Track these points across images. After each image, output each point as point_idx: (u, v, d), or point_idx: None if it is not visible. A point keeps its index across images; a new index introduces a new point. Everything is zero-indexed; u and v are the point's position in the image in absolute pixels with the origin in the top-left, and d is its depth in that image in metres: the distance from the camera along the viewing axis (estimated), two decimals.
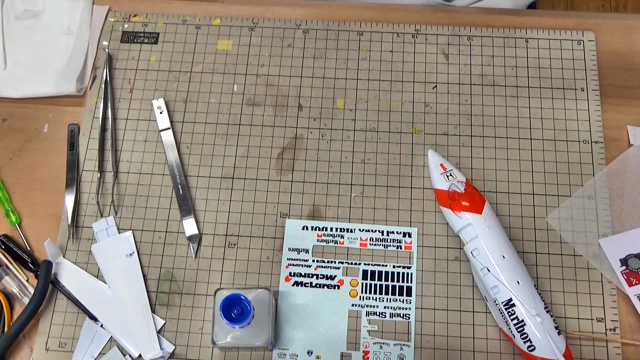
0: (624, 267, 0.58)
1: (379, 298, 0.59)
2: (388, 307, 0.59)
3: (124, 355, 0.58)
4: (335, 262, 0.60)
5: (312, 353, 0.57)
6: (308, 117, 0.66)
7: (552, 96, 0.66)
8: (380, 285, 0.59)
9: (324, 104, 0.67)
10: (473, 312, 0.58)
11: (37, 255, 0.62)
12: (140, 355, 0.57)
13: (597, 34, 0.68)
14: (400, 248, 0.61)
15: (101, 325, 0.59)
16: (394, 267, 0.60)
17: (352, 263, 0.60)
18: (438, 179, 0.60)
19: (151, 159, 0.65)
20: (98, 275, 0.61)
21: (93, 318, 0.59)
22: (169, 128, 0.66)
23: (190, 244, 0.61)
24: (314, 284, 0.60)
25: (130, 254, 0.61)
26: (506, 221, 0.61)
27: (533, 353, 0.53)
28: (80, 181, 0.64)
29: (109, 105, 0.67)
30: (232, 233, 0.62)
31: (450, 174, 0.60)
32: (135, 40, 0.70)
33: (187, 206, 0.63)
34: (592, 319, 0.57)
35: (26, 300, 0.58)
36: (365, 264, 0.60)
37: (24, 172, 0.65)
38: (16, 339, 0.57)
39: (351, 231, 0.61)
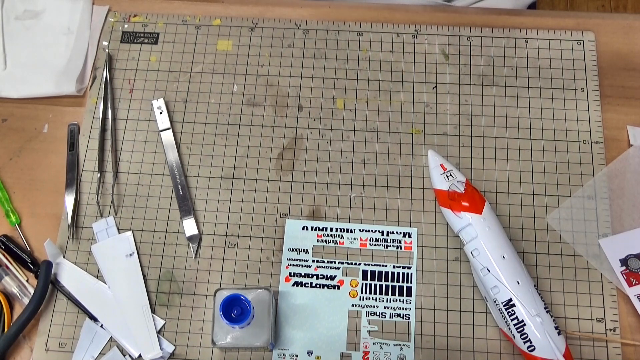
0: (623, 268, 0.58)
1: (379, 298, 0.59)
2: (388, 308, 0.59)
3: (124, 356, 0.58)
4: (335, 262, 0.60)
5: (312, 353, 0.57)
6: (308, 117, 0.66)
7: (552, 96, 0.66)
8: (380, 286, 0.59)
9: (324, 104, 0.67)
10: (473, 312, 0.58)
11: (37, 255, 0.62)
12: (140, 356, 0.57)
13: (597, 34, 0.68)
14: (400, 248, 0.61)
15: (101, 326, 0.59)
16: (394, 267, 0.60)
17: (352, 263, 0.60)
18: (438, 179, 0.60)
19: (151, 159, 0.65)
20: (98, 276, 0.61)
21: (93, 318, 0.59)
22: (169, 128, 0.66)
23: (190, 244, 0.61)
24: (314, 284, 0.60)
25: (130, 254, 0.61)
26: (506, 221, 0.61)
27: (533, 353, 0.53)
28: (80, 181, 0.64)
29: (109, 105, 0.67)
30: (232, 233, 0.62)
31: (450, 174, 0.60)
32: (135, 41, 0.70)
33: (187, 206, 0.63)
34: (592, 319, 0.57)
35: (26, 301, 0.58)
36: (365, 264, 0.60)
37: (24, 172, 0.65)
38: (16, 339, 0.57)
39: (351, 231, 0.61)
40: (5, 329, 0.58)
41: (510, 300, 0.54)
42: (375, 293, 0.59)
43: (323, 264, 0.60)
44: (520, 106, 0.66)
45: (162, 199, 0.63)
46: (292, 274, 0.60)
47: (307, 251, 0.61)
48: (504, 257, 0.55)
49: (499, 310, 0.55)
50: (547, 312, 0.54)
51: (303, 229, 0.62)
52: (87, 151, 0.65)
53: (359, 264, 0.60)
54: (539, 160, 0.63)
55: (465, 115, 0.65)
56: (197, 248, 0.61)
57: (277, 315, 0.58)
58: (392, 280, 0.60)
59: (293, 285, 0.60)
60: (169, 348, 0.58)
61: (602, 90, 0.66)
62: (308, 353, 0.57)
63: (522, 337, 0.53)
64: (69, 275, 0.60)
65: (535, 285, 0.55)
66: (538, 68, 0.67)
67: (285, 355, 0.57)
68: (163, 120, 0.66)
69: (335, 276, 0.60)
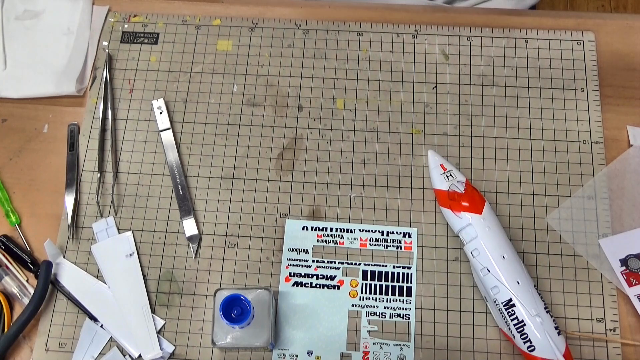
0: (623, 268, 0.58)
1: (379, 298, 0.59)
2: (388, 308, 0.59)
3: (124, 356, 0.58)
4: (335, 263, 0.60)
5: (312, 353, 0.57)
6: (308, 117, 0.66)
7: (552, 96, 0.66)
8: (380, 286, 0.59)
9: (324, 104, 0.67)
10: (473, 312, 0.58)
11: (37, 255, 0.62)
12: (140, 356, 0.57)
13: (597, 34, 0.68)
14: (400, 248, 0.61)
15: (101, 326, 0.59)
16: (393, 267, 0.60)
17: (352, 263, 0.60)
18: (438, 179, 0.60)
19: (151, 159, 0.65)
20: (98, 276, 0.61)
21: (93, 318, 0.59)
22: (169, 128, 0.66)
23: (190, 244, 0.61)
24: (314, 284, 0.60)
25: (130, 254, 0.61)
26: (506, 221, 0.61)
27: (533, 353, 0.53)
28: (80, 181, 0.64)
29: (109, 105, 0.67)
30: (232, 233, 0.62)
31: (450, 174, 0.60)
32: (135, 41, 0.70)
33: (187, 206, 0.63)
34: (592, 319, 0.57)
35: (26, 301, 0.58)
36: (365, 264, 0.60)
37: (24, 172, 0.65)
38: (16, 339, 0.57)
39: (351, 231, 0.61)
40: (5, 329, 0.58)
41: (510, 300, 0.54)
42: (375, 293, 0.59)
43: (323, 264, 0.60)
44: (520, 106, 0.66)
45: (162, 199, 0.63)
46: (292, 274, 0.60)
47: (307, 251, 0.61)
48: (504, 257, 0.55)
49: (499, 310, 0.55)
50: (547, 312, 0.54)
51: (303, 229, 0.62)
52: (87, 151, 0.65)
53: (359, 264, 0.60)
54: (539, 160, 0.63)
55: (465, 115, 0.65)
56: (197, 248, 0.61)
57: (277, 315, 0.58)
58: (392, 280, 0.60)
59: (293, 285, 0.60)
60: (169, 348, 0.58)
61: (602, 90, 0.66)
62: (308, 353, 0.57)
63: (522, 337, 0.53)
64: (69, 275, 0.60)
65: (535, 285, 0.55)
66: (538, 68, 0.67)
67: (285, 355, 0.57)
68: (163, 120, 0.66)
69: (335, 276, 0.60)
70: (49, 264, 0.59)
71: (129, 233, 0.62)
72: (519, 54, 0.68)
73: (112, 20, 0.71)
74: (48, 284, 0.58)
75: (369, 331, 0.58)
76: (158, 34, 0.71)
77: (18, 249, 0.61)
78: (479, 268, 0.56)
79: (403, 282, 0.59)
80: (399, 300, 0.59)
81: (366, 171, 0.64)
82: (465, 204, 0.58)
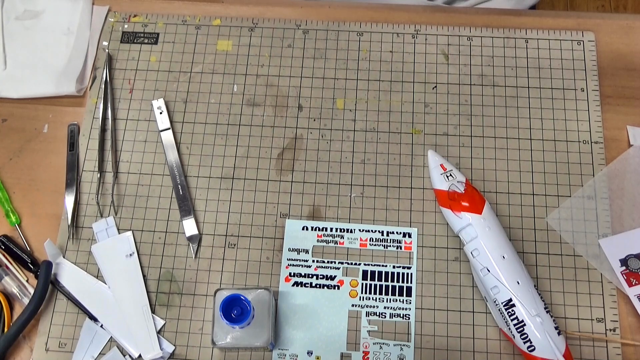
0: (623, 268, 0.58)
1: (379, 298, 0.59)
2: (388, 308, 0.59)
3: (124, 356, 0.58)
4: (335, 263, 0.60)
5: (312, 353, 0.57)
6: (308, 117, 0.66)
7: (552, 96, 0.66)
8: (380, 286, 0.59)
9: (324, 104, 0.67)
10: (473, 312, 0.58)
11: (37, 255, 0.62)
12: (140, 356, 0.57)
13: (597, 34, 0.68)
14: (400, 248, 0.61)
15: (101, 326, 0.59)
16: (393, 267, 0.60)
17: (352, 263, 0.60)
18: (438, 179, 0.60)
19: (151, 159, 0.65)
20: (98, 276, 0.61)
21: (93, 318, 0.59)
22: (169, 128, 0.66)
23: (190, 244, 0.61)
24: (313, 284, 0.60)
25: (130, 255, 0.61)
26: (506, 221, 0.61)
27: (533, 353, 0.53)
28: (80, 181, 0.64)
29: (109, 105, 0.67)
30: (232, 233, 0.62)
31: (450, 174, 0.60)
32: (135, 41, 0.70)
33: (187, 206, 0.63)
34: (592, 319, 0.57)
35: (26, 301, 0.58)
36: (365, 264, 0.60)
37: (24, 172, 0.65)
38: (16, 340, 0.57)
39: (351, 231, 0.61)
40: (5, 329, 0.58)
41: (510, 300, 0.54)
42: (375, 293, 0.59)
43: (323, 264, 0.60)
44: (520, 106, 0.66)
45: (162, 199, 0.63)
46: (292, 274, 0.60)
47: (307, 251, 0.61)
48: (504, 257, 0.55)
49: (499, 310, 0.55)
50: (547, 312, 0.54)
51: (303, 229, 0.62)
52: (87, 151, 0.65)
53: (359, 264, 0.60)
54: (539, 160, 0.63)
55: (465, 115, 0.65)
56: (197, 248, 0.61)
57: (277, 315, 0.58)
58: (392, 281, 0.60)
59: (293, 285, 0.60)
60: (169, 348, 0.58)
61: (602, 90, 0.66)
62: (308, 353, 0.57)
63: (522, 337, 0.53)
64: (69, 275, 0.60)
65: (535, 285, 0.55)
66: (538, 68, 0.67)
67: (285, 355, 0.57)
68: (163, 120, 0.66)
69: (335, 276, 0.60)
70: (49, 264, 0.59)
71: (129, 233, 0.62)
72: (519, 54, 0.68)
73: (112, 20, 0.71)
74: (48, 284, 0.58)
75: (369, 331, 0.58)
76: (158, 34, 0.71)
77: (18, 249, 0.61)
78: (479, 268, 0.56)
79: (403, 282, 0.59)
80: (399, 300, 0.59)
81: (366, 171, 0.64)
82: (465, 204, 0.58)
